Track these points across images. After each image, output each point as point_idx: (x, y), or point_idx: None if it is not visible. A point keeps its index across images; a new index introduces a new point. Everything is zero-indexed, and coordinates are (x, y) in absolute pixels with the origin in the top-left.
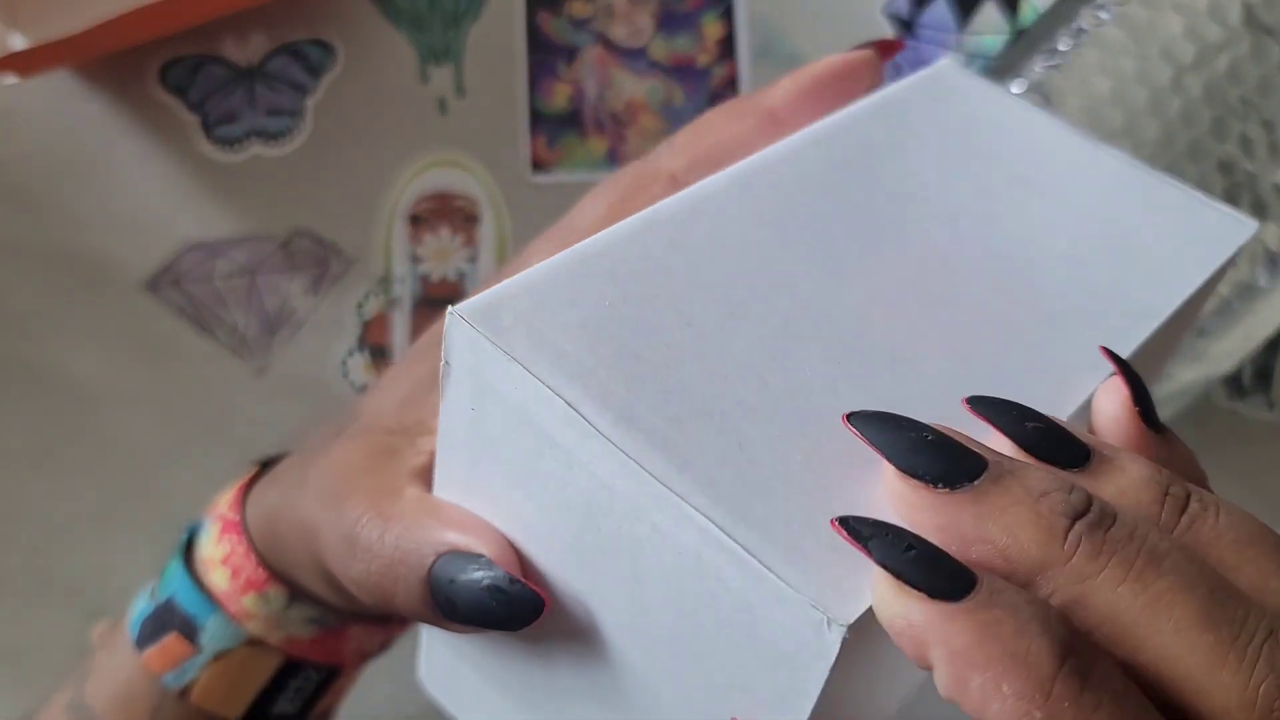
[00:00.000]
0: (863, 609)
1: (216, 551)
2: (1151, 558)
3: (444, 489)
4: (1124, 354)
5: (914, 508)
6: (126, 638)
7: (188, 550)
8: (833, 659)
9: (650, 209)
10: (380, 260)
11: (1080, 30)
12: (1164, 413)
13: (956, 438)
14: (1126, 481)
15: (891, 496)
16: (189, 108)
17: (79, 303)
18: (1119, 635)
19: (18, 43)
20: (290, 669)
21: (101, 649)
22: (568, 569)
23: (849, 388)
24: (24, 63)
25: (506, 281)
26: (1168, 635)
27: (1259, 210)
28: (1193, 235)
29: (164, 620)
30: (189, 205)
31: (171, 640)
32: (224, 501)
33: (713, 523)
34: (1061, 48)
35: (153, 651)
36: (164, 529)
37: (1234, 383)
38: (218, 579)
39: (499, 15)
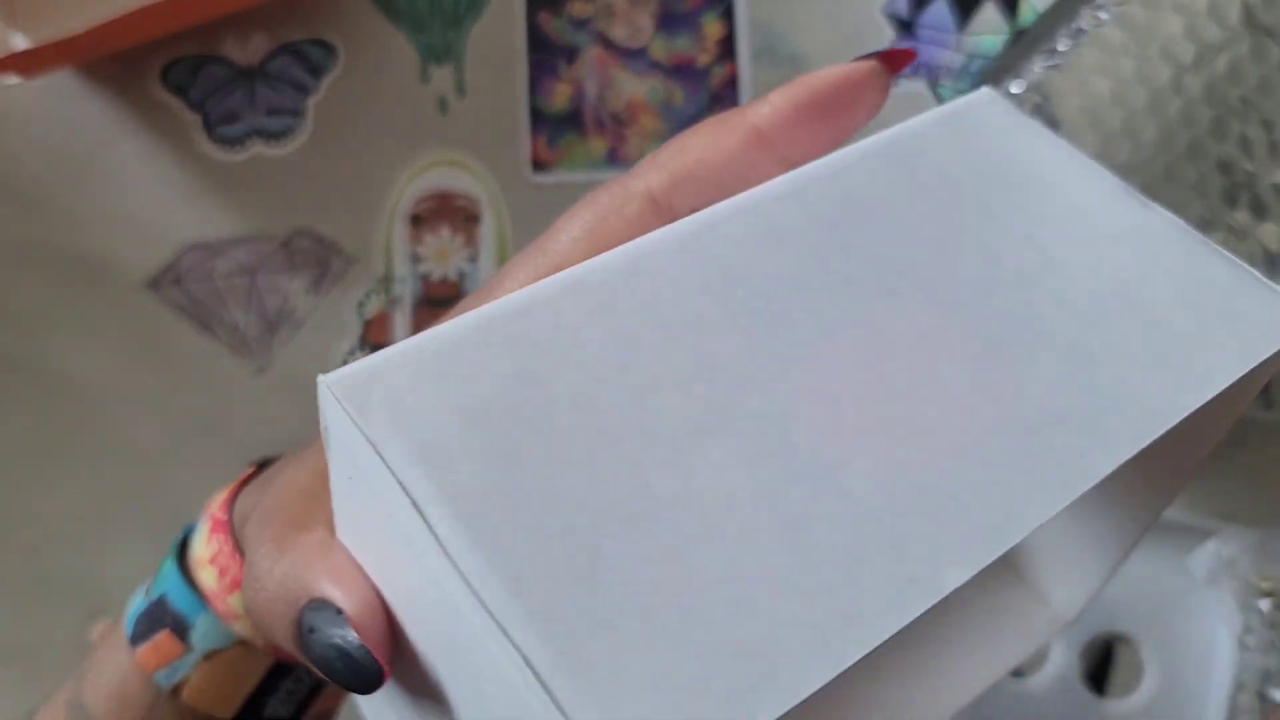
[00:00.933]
0: None
1: (205, 551)
2: None
3: (341, 533)
4: (1099, 472)
5: None
6: (123, 635)
7: (182, 549)
8: None
9: (582, 266)
10: (381, 260)
11: (1080, 30)
12: None
13: None
14: None
15: None
16: (190, 107)
17: (80, 301)
18: None
19: (19, 43)
20: (281, 670)
21: (100, 646)
22: (427, 646)
23: (748, 502)
24: (26, 63)
25: (391, 350)
26: None
27: (1258, 210)
28: (1234, 323)
29: (156, 618)
30: (190, 205)
31: (163, 638)
32: (216, 501)
33: (530, 668)
34: (1061, 48)
35: (145, 649)
36: (164, 528)
37: None
38: (206, 578)
39: (499, 15)
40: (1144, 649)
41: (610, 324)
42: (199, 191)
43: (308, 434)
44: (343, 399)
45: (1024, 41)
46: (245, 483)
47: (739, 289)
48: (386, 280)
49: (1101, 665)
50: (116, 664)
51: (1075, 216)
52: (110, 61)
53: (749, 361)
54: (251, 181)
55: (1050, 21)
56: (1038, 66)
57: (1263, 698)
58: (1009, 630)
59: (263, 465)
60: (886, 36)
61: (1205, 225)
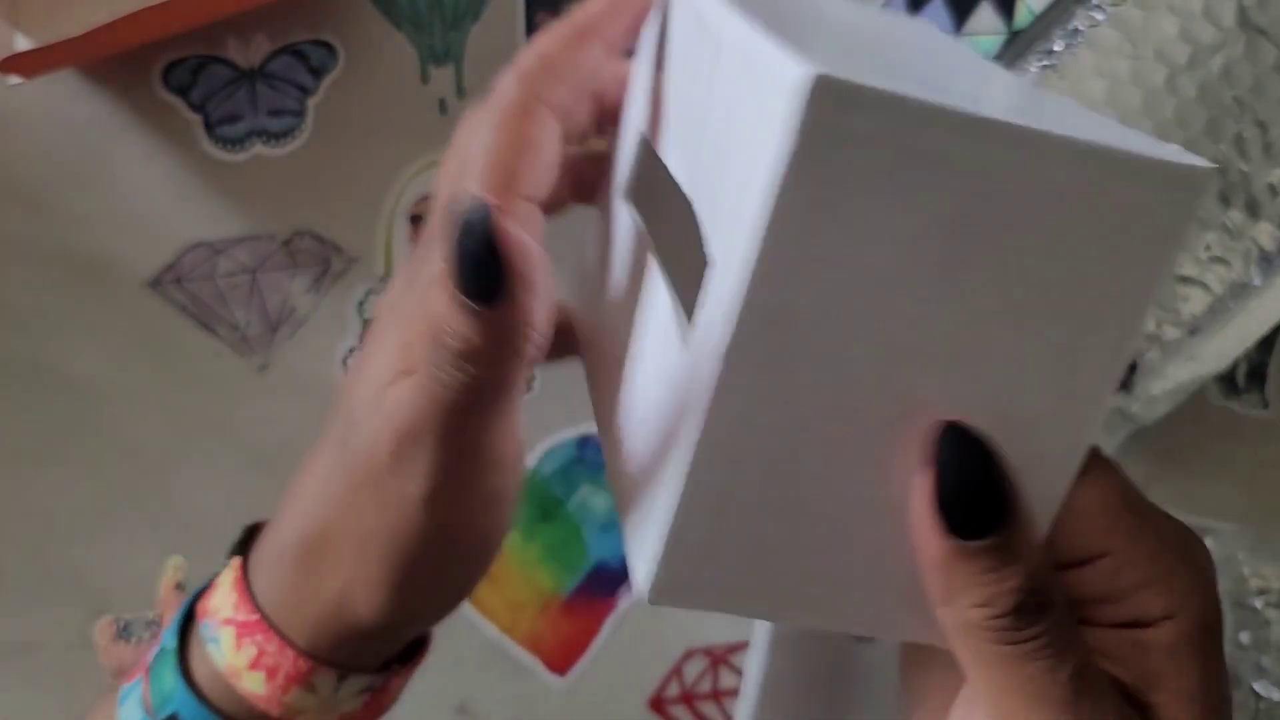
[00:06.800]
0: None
1: (240, 659)
2: None
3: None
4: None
5: None
6: None
7: (183, 662)
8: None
9: None
10: (381, 259)
11: (1075, 31)
12: (1158, 410)
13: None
14: None
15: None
16: (191, 108)
17: (82, 301)
18: None
19: (21, 44)
20: None
21: None
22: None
23: None
24: (28, 63)
25: None
26: None
27: (1253, 210)
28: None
29: None
30: (191, 204)
31: None
32: (226, 605)
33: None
34: (1056, 48)
35: None
36: (166, 526)
37: (1228, 381)
38: (251, 685)
39: (499, 16)
40: None
41: None
42: (200, 191)
43: (308, 432)
44: None
45: (1020, 42)
46: (244, 577)
47: None
48: (387, 279)
49: None
50: None
51: None
52: (112, 62)
53: None
54: (252, 181)
55: (1046, 22)
56: (1033, 67)
57: (1257, 695)
58: None
59: (239, 552)
60: None
61: (1201, 225)
